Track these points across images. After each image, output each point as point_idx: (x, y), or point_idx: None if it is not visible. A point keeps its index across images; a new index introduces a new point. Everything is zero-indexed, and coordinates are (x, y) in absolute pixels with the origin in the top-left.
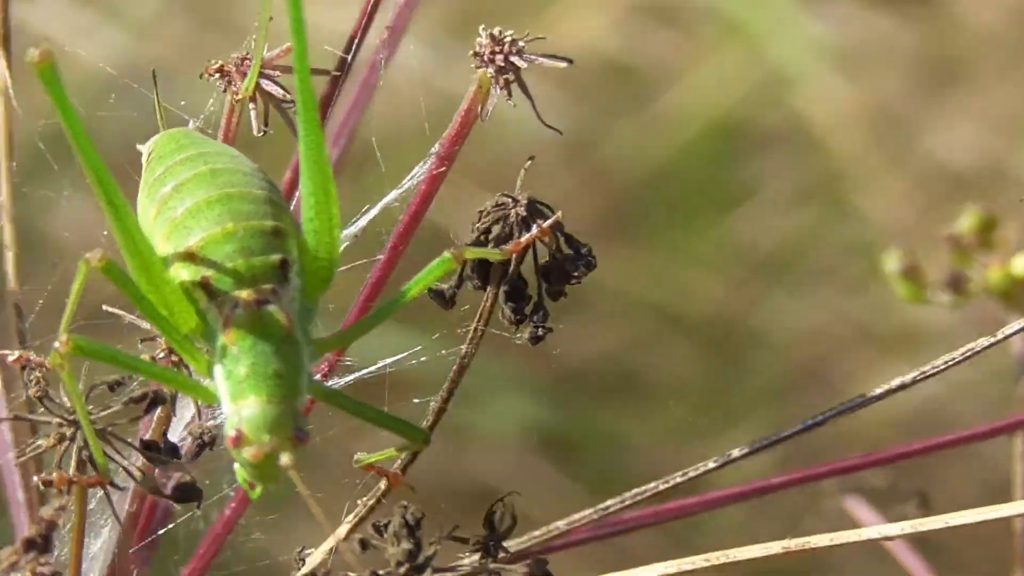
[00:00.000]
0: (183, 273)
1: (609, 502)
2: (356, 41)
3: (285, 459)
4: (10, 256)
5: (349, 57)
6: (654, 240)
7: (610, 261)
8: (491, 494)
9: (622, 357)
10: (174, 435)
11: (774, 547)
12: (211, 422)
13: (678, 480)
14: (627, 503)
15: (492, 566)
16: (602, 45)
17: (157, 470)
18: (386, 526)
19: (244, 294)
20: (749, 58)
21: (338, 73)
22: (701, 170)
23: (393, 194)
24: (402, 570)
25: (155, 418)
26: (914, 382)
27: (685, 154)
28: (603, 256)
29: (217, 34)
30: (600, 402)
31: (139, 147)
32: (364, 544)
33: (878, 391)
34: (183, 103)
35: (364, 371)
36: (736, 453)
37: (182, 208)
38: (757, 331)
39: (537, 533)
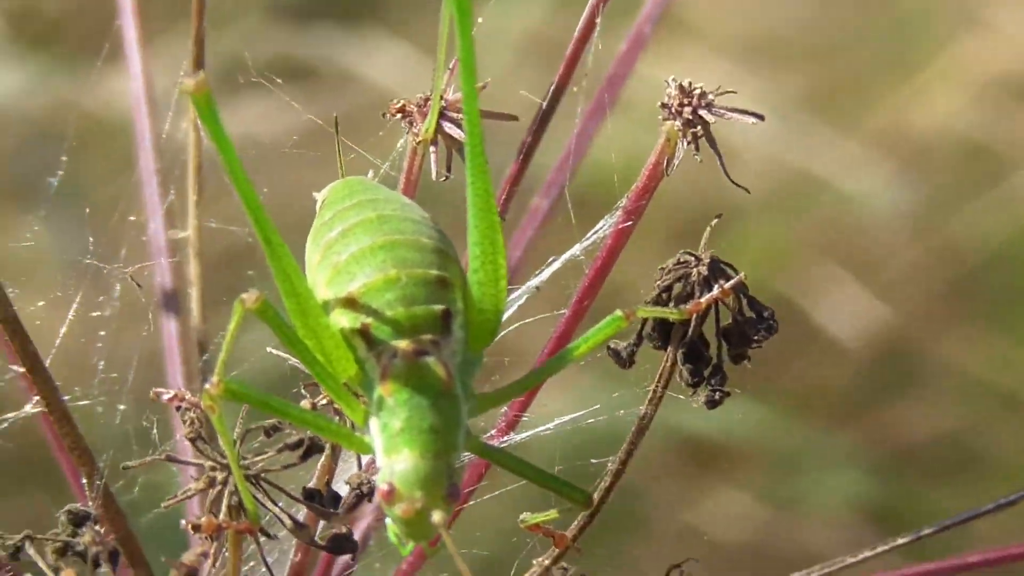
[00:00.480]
0: (342, 319)
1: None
2: (554, 89)
3: (437, 516)
4: (195, 293)
5: (544, 104)
6: (998, 319)
7: (952, 340)
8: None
9: (959, 437)
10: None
11: None
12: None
13: (867, 554)
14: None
15: None
16: (956, 122)
17: (321, 521)
18: None
19: (403, 344)
20: None
21: (515, 117)
22: None
23: (577, 247)
24: None
25: (319, 466)
26: None
27: None
28: (945, 334)
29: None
30: (934, 481)
31: (315, 195)
32: None
33: None
34: None
35: (540, 428)
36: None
37: (346, 253)
38: None
39: None
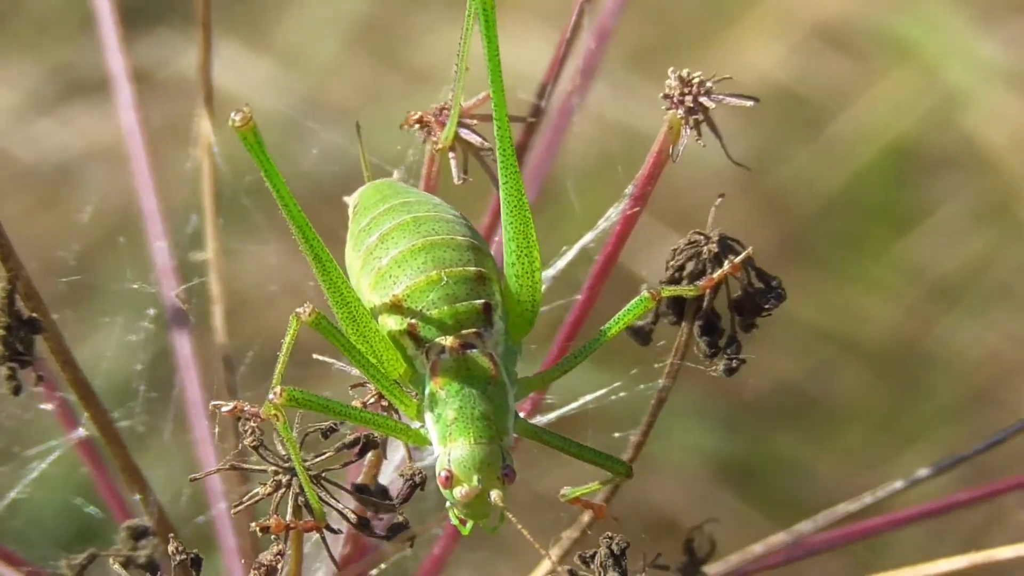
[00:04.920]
0: (390, 322)
1: (802, 525)
2: (549, 88)
3: (495, 496)
4: (218, 311)
5: (543, 103)
6: (829, 265)
7: (786, 289)
8: (672, 520)
9: (799, 384)
10: (384, 478)
11: (960, 561)
12: (420, 463)
13: (867, 501)
14: (820, 525)
15: None
16: (777, 72)
17: (369, 512)
18: (592, 557)
19: (449, 340)
20: (922, 81)
21: (534, 119)
22: (875, 194)
23: (589, 236)
24: None
25: (366, 462)
26: None
27: (859, 178)
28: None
29: (397, 76)
30: (778, 428)
31: (345, 199)
32: (572, 573)
33: None
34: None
35: (566, 408)
36: (923, 473)
37: (387, 257)
38: (932, 353)
39: (733, 559)
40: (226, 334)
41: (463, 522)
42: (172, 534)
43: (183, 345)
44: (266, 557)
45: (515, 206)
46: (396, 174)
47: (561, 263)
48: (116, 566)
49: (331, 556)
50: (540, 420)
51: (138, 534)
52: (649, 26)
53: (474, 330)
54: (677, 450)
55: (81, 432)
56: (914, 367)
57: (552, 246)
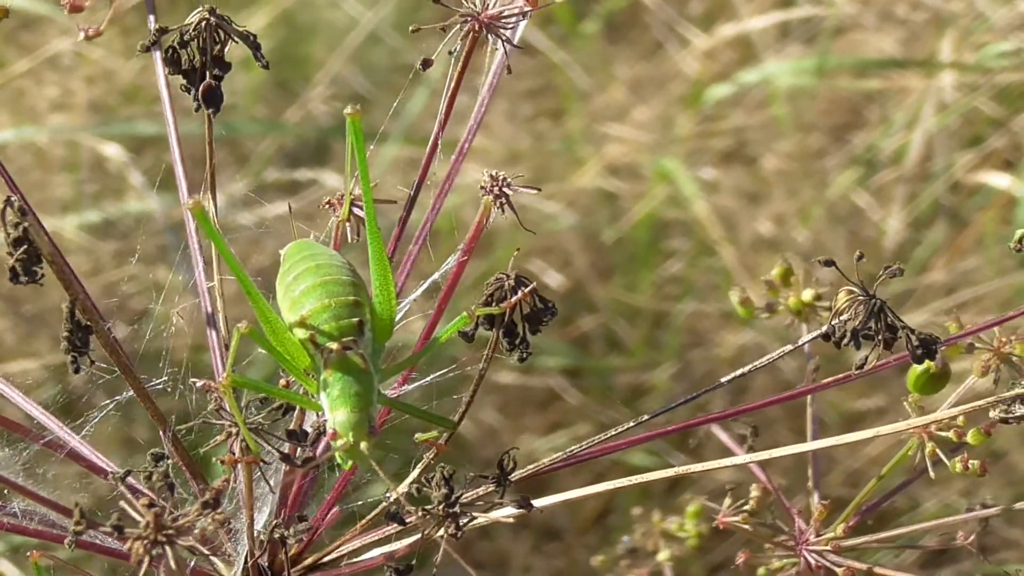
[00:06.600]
0: (298, 332)
1: (596, 435)
2: (418, 184)
3: (363, 446)
4: (219, 317)
5: (412, 191)
6: (619, 277)
7: (598, 287)
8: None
9: (608, 329)
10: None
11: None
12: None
13: (630, 425)
14: (600, 439)
15: (498, 500)
16: (600, 184)
17: (292, 447)
18: (431, 479)
19: (335, 345)
20: (669, 190)
21: (394, 201)
22: (643, 242)
23: (436, 274)
24: (441, 507)
25: (294, 418)
26: (764, 364)
27: (635, 233)
28: (594, 285)
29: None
30: (597, 352)
31: (280, 251)
32: (419, 489)
33: (745, 368)
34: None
35: (423, 381)
36: (644, 418)
37: (298, 290)
38: (670, 316)
39: (531, 467)
40: (226, 330)
41: (345, 461)
42: (168, 458)
43: (212, 337)
44: (216, 484)
45: (378, 258)
46: (312, 236)
47: (419, 291)
48: (141, 478)
49: (265, 479)
50: (405, 388)
51: (158, 457)
52: (531, 163)
53: (351, 338)
54: (540, 362)
55: (125, 395)
56: (660, 324)
57: (414, 279)
